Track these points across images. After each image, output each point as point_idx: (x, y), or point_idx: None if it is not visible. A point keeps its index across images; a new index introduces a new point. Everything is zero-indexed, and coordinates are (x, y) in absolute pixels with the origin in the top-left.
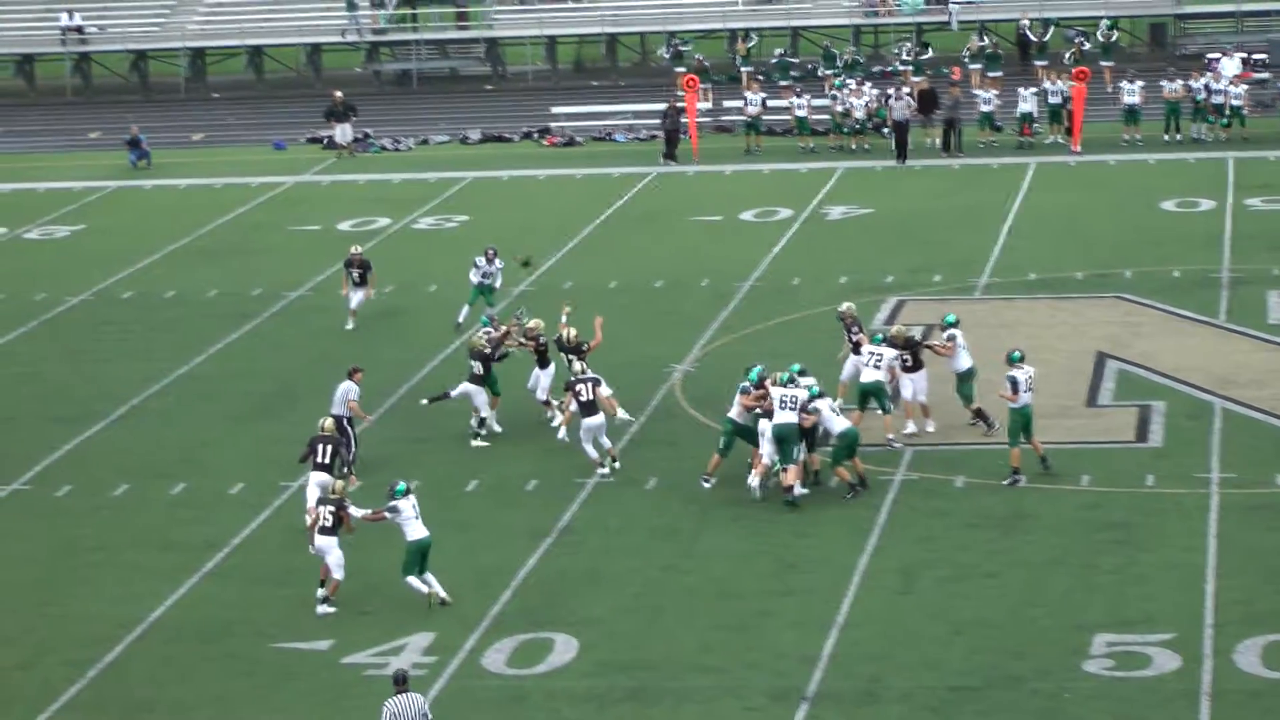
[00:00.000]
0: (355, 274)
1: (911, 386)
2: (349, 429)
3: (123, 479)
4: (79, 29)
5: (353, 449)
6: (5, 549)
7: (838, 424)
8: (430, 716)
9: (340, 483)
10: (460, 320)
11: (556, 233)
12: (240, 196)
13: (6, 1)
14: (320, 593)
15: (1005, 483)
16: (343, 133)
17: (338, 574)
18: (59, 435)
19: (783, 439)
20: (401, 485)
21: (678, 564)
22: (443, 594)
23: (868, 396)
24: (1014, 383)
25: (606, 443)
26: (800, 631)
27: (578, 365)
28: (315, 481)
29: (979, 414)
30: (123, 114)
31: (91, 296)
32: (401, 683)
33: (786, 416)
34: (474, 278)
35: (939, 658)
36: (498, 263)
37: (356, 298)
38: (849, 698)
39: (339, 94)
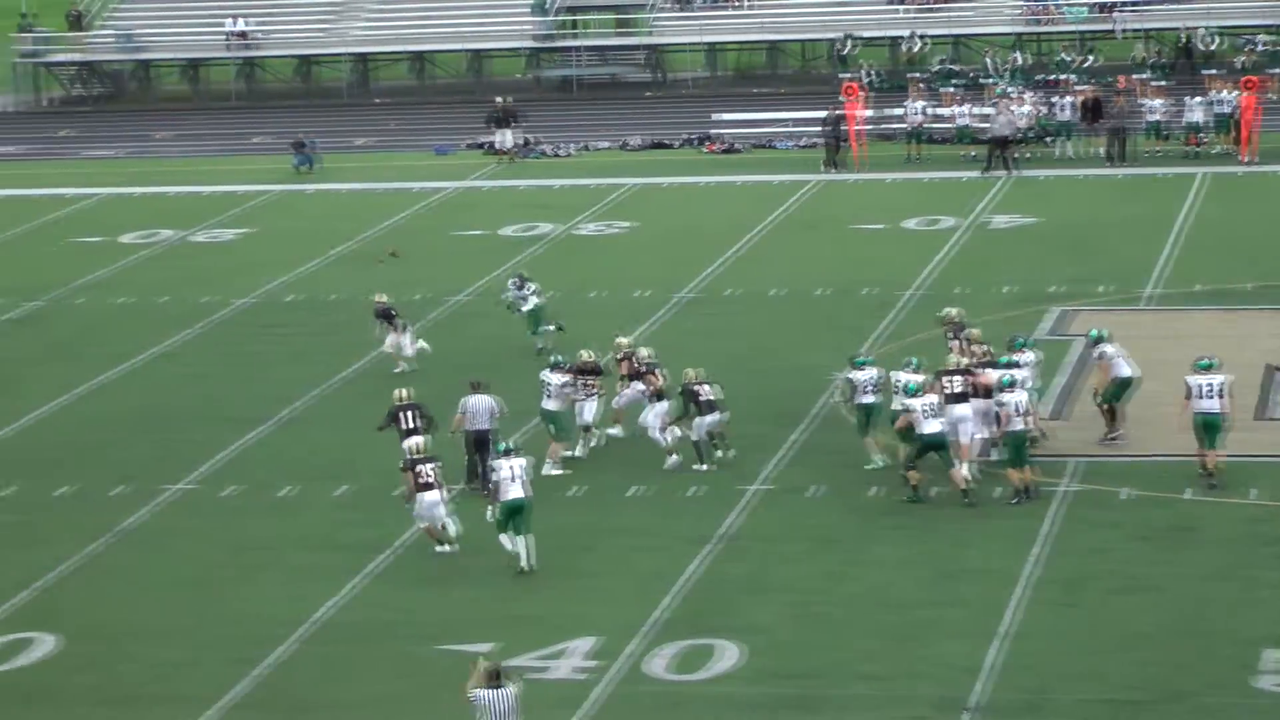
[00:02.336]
0: (390, 323)
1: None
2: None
3: (287, 480)
4: (244, 34)
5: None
6: (172, 547)
7: (929, 425)
8: (519, 713)
9: (426, 438)
10: (540, 346)
11: (718, 240)
12: (403, 202)
13: (174, 8)
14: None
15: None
16: (505, 138)
17: (454, 528)
18: (225, 436)
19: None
20: (503, 444)
21: (841, 572)
22: (525, 564)
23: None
24: (1186, 387)
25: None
26: (964, 641)
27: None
28: (408, 447)
29: (1110, 414)
30: (287, 119)
31: (256, 300)
32: (496, 677)
33: (933, 426)
34: (516, 302)
35: (1104, 671)
36: (530, 287)
37: (402, 344)
38: (1012, 709)
39: (501, 99)
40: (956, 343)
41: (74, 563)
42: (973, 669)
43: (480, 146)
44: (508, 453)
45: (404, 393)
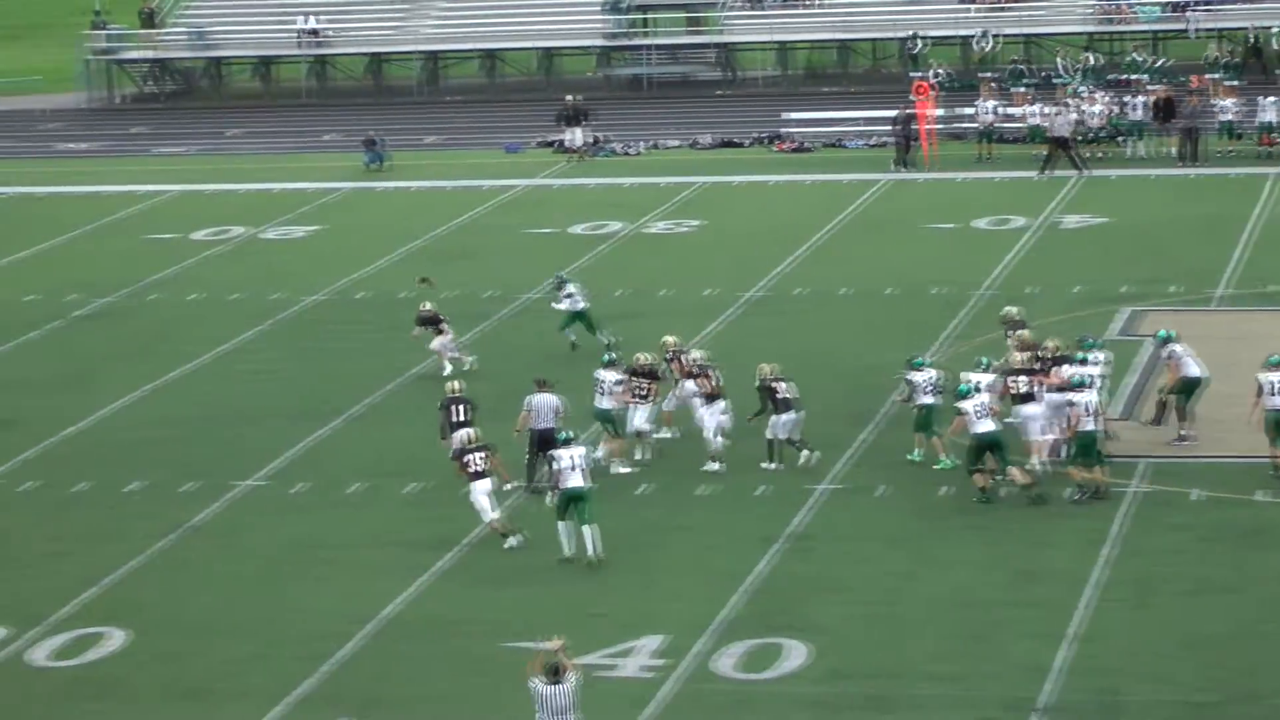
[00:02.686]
0: (436, 328)
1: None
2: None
3: (356, 477)
4: (315, 32)
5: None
6: (243, 543)
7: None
8: (577, 708)
9: (476, 430)
10: (607, 341)
11: (787, 239)
12: (473, 199)
13: (246, 5)
14: (509, 543)
15: None
16: (575, 136)
17: (495, 514)
18: (295, 432)
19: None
20: (563, 433)
21: (909, 572)
22: (590, 553)
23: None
24: (1257, 385)
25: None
26: (1035, 642)
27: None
28: (458, 439)
29: (1178, 411)
30: (358, 116)
31: (326, 297)
32: (555, 673)
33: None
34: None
35: (1176, 672)
36: (568, 288)
37: (443, 342)
38: (1084, 711)
39: (571, 98)
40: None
41: (145, 558)
42: (1042, 669)
43: (550, 144)
44: (568, 442)
45: (456, 385)
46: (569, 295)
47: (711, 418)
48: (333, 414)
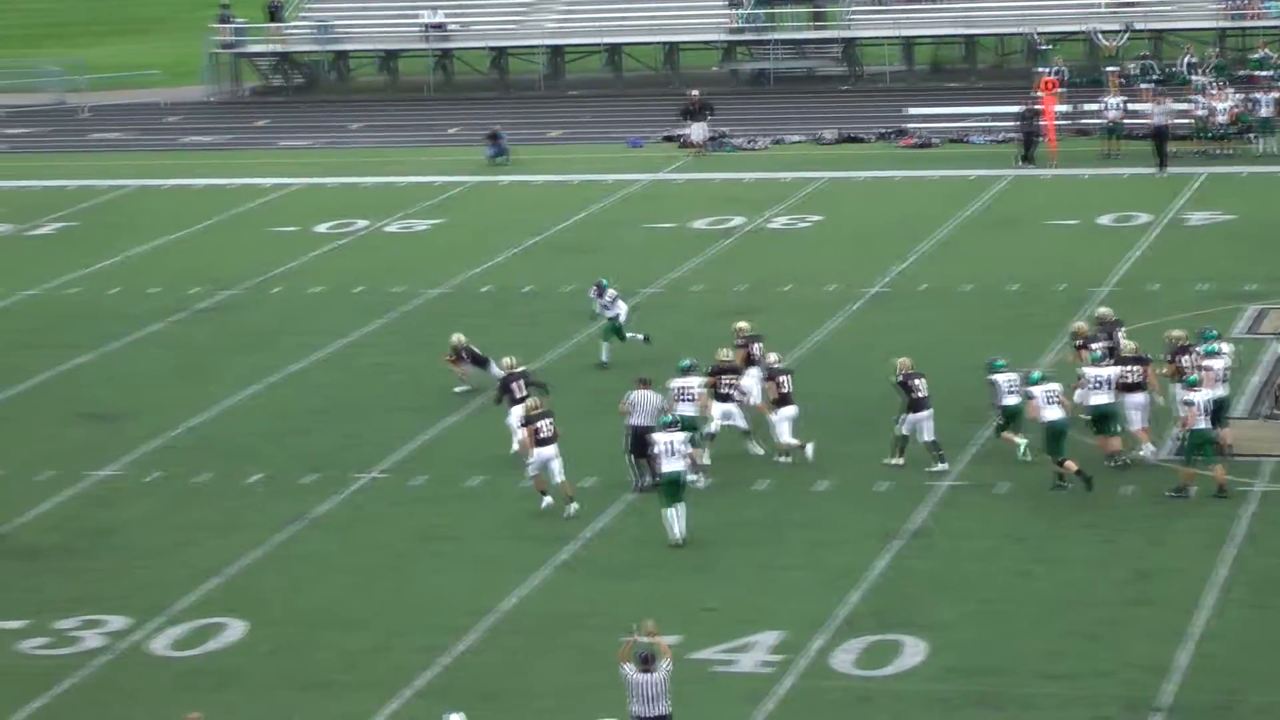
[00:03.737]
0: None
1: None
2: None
3: (476, 470)
4: (440, 26)
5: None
6: (363, 535)
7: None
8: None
9: (537, 397)
10: (640, 337)
11: (909, 234)
12: (596, 193)
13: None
14: (546, 501)
15: None
16: (698, 131)
17: (560, 476)
18: (416, 425)
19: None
20: (667, 417)
21: (1028, 570)
22: (676, 534)
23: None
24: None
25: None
26: (1153, 641)
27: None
28: (516, 414)
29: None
30: (481, 110)
31: (449, 290)
32: (647, 662)
33: (1055, 413)
34: (603, 312)
35: None
36: (609, 294)
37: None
38: (1202, 711)
39: (695, 93)
40: (1103, 342)
41: (265, 550)
42: (1160, 669)
43: (673, 139)
44: (667, 426)
45: (511, 360)
46: (610, 302)
47: (782, 421)
48: (453, 407)
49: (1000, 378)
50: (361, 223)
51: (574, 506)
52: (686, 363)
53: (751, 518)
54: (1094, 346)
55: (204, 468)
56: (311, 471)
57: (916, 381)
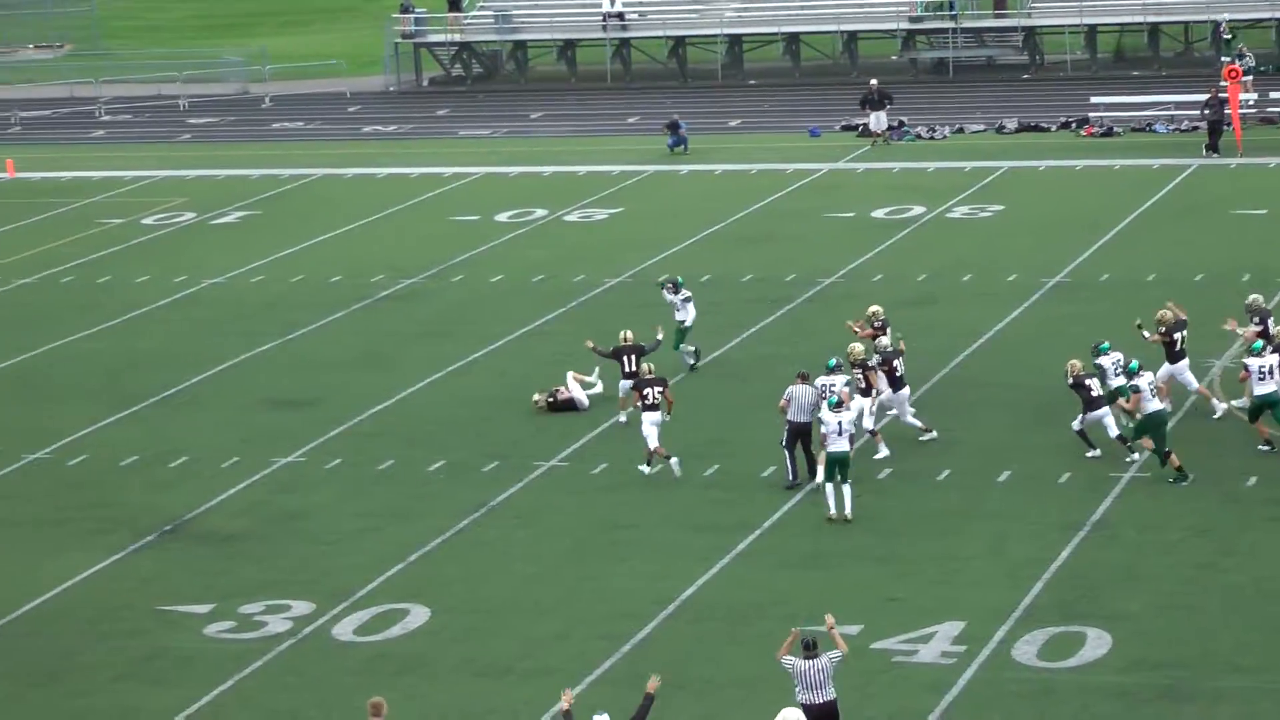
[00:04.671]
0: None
1: None
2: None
3: (657, 459)
4: (619, 15)
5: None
6: (544, 523)
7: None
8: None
9: (649, 366)
10: (692, 364)
11: (1092, 224)
12: (775, 183)
13: None
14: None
15: None
16: (878, 120)
17: (656, 443)
18: (596, 415)
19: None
20: (833, 398)
21: (1215, 562)
22: (836, 512)
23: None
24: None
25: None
26: None
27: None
28: (625, 386)
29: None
30: (661, 99)
31: (629, 279)
32: (811, 648)
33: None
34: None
35: None
36: (684, 293)
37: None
38: None
39: (875, 81)
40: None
41: (447, 537)
42: None
43: (853, 128)
44: (836, 406)
45: (629, 334)
46: (682, 303)
47: (901, 404)
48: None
49: (1106, 360)
50: (541, 211)
51: (675, 461)
52: (834, 361)
53: (935, 508)
54: (1244, 331)
55: (386, 454)
56: (493, 460)
57: (1089, 382)
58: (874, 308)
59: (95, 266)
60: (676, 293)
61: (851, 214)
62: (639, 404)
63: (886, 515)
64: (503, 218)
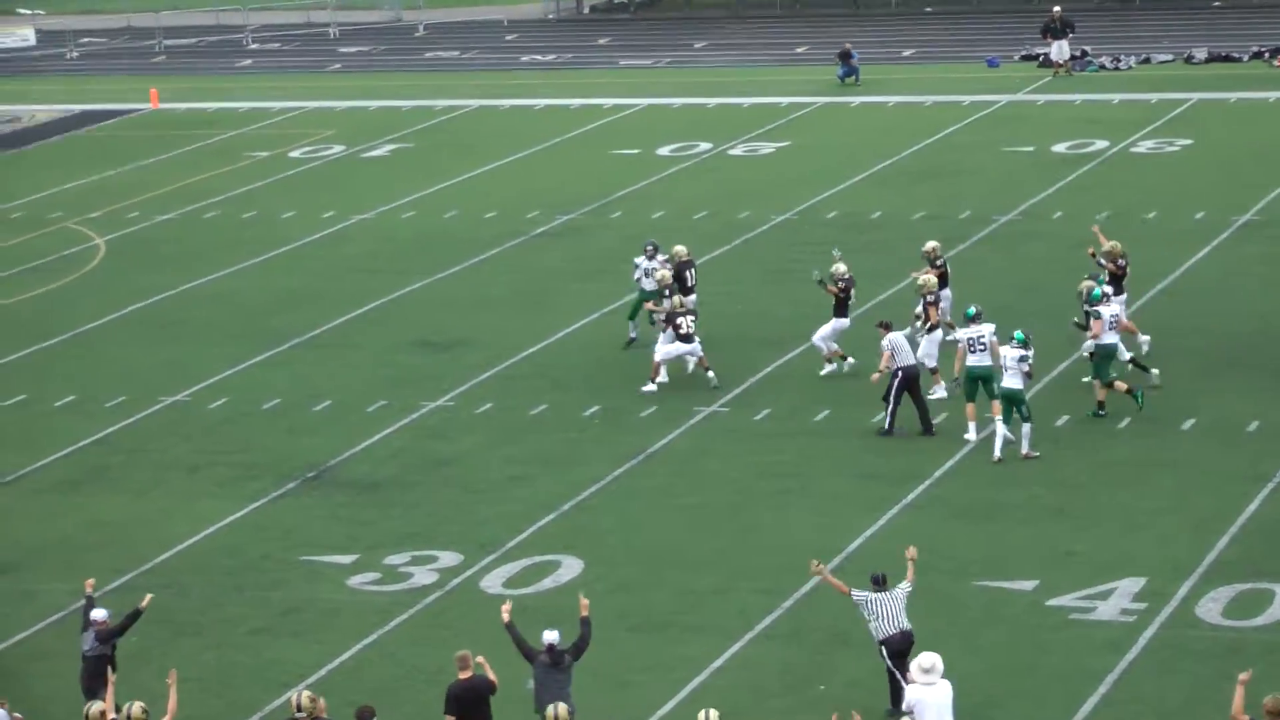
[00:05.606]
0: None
1: None
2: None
3: (822, 405)
4: None
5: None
6: (703, 471)
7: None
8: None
9: (685, 298)
10: (633, 336)
11: None
12: (950, 115)
13: None
14: (649, 387)
15: None
16: (1059, 50)
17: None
18: (760, 357)
19: None
20: (1019, 334)
21: None
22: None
23: None
24: None
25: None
26: None
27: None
28: (674, 301)
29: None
30: (832, 29)
31: (795, 216)
32: (881, 583)
33: None
34: (638, 279)
35: None
36: (660, 258)
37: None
38: None
39: (1057, 9)
40: None
41: (602, 485)
42: None
43: (1033, 58)
44: (1017, 341)
45: (688, 300)
46: (653, 271)
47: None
48: (799, 337)
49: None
50: (705, 145)
51: (711, 374)
52: (973, 310)
53: (1116, 457)
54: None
55: (540, 399)
56: (650, 404)
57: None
58: (931, 243)
59: (240, 201)
60: (653, 258)
61: (1031, 148)
62: (672, 331)
63: (1063, 465)
64: (664, 151)
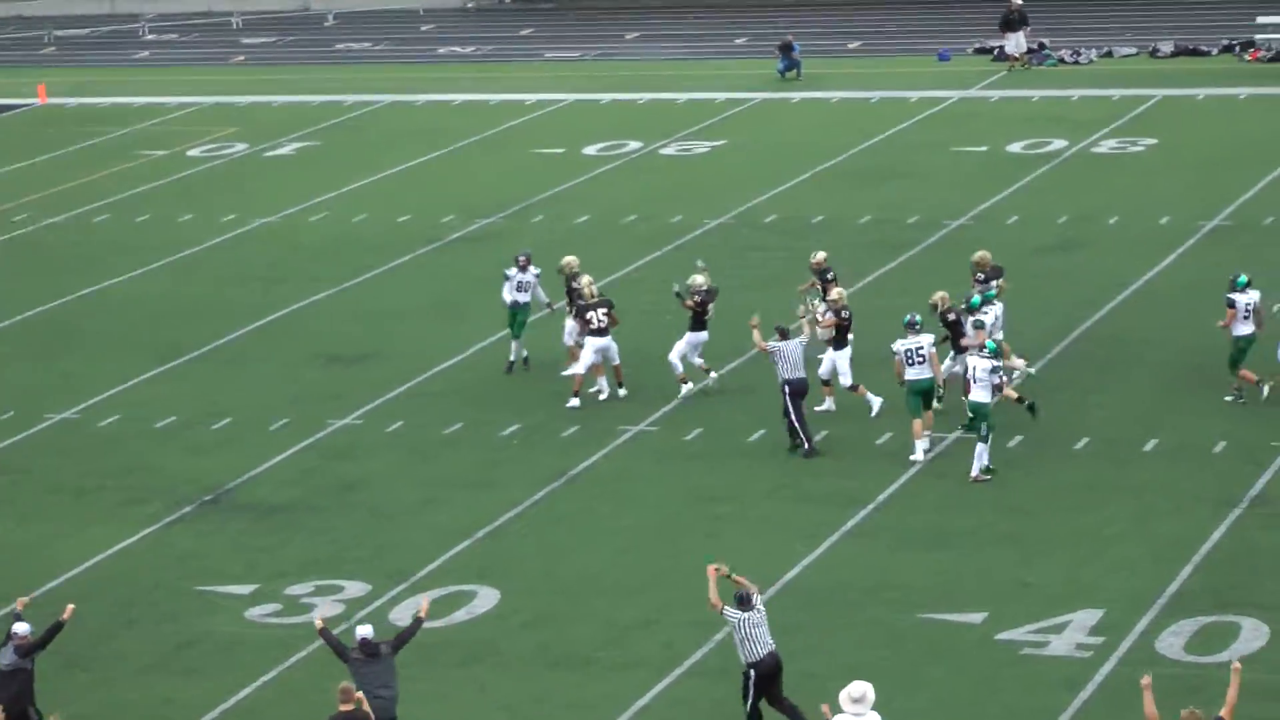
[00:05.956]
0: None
1: None
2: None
3: (757, 424)
4: None
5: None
6: (630, 495)
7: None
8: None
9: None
10: (513, 360)
11: (1256, 160)
12: (898, 112)
13: None
14: (574, 402)
15: None
16: (1015, 43)
17: (616, 360)
18: (692, 372)
19: None
20: (991, 344)
21: None
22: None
23: None
24: None
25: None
26: None
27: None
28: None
29: None
30: (772, 18)
31: (732, 219)
32: (745, 601)
33: None
34: (507, 295)
35: None
36: (534, 271)
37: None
38: None
39: (1018, 0)
40: None
41: (521, 509)
42: None
43: (988, 51)
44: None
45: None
46: (528, 284)
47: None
48: (732, 353)
49: (1242, 298)
50: (635, 144)
51: (623, 391)
52: (910, 318)
53: (1072, 480)
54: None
55: (455, 417)
56: (573, 423)
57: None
58: (818, 255)
59: (134, 204)
60: (525, 270)
61: (984, 148)
62: (583, 327)
63: (1016, 489)
64: (591, 150)
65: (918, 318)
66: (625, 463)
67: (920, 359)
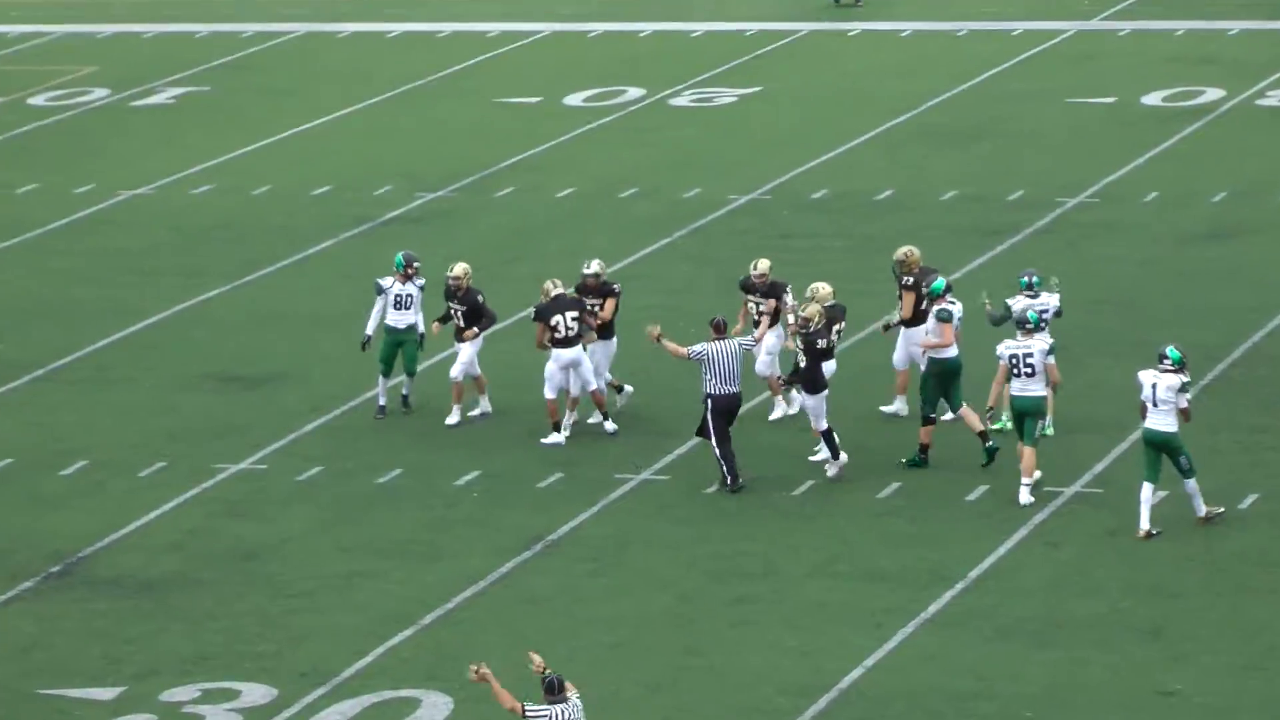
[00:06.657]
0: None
1: None
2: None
3: (804, 472)
4: None
5: None
6: (630, 567)
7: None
8: None
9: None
10: (384, 403)
11: None
12: (994, 50)
13: None
14: (555, 439)
15: None
16: None
17: (596, 384)
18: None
19: None
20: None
21: None
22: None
23: None
24: None
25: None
26: None
27: None
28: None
29: None
30: None
31: (767, 195)
32: (554, 690)
33: None
34: (376, 313)
35: None
36: (418, 282)
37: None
38: None
39: None
40: None
41: (483, 586)
42: None
43: None
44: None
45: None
46: (409, 298)
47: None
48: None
49: None
50: (635, 92)
51: (611, 425)
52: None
53: (1233, 549)
54: None
55: (391, 459)
56: (553, 468)
57: None
58: (905, 249)
59: None
60: (411, 278)
61: (1111, 99)
62: (550, 337)
63: (1157, 562)
64: (576, 100)
65: (1030, 314)
66: (624, 524)
67: (1029, 369)
